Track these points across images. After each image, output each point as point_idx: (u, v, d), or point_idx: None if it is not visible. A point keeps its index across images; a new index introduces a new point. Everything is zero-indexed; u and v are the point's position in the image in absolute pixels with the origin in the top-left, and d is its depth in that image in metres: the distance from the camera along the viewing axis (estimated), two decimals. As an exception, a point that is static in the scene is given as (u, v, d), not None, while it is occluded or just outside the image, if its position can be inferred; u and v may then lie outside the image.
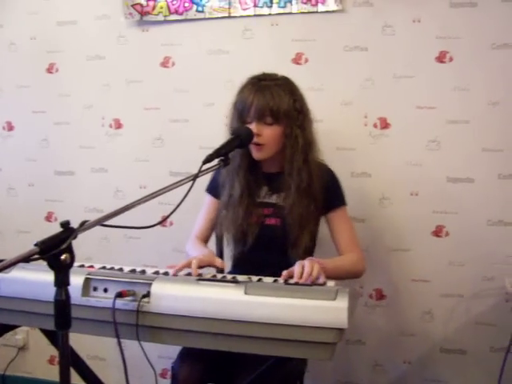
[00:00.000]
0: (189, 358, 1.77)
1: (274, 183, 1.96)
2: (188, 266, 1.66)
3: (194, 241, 2.04)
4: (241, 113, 1.88)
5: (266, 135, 1.86)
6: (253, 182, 1.97)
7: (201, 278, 1.53)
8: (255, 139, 1.83)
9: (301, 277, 1.58)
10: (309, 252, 1.96)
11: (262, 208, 1.96)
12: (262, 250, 1.94)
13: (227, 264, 2.15)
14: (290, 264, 1.68)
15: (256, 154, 1.90)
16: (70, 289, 1.19)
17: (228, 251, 2.11)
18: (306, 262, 1.63)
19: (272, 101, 1.84)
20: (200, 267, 1.67)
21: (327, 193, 1.94)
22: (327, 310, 1.34)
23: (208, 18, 2.47)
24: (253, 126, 1.84)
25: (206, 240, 2.09)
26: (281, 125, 1.87)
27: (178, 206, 1.44)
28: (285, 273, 1.61)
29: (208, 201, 2.09)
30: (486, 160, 2.24)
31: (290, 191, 1.91)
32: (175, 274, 1.63)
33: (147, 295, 1.44)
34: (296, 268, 1.61)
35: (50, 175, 2.78)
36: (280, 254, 1.89)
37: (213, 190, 2.07)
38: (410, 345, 2.38)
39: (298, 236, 1.90)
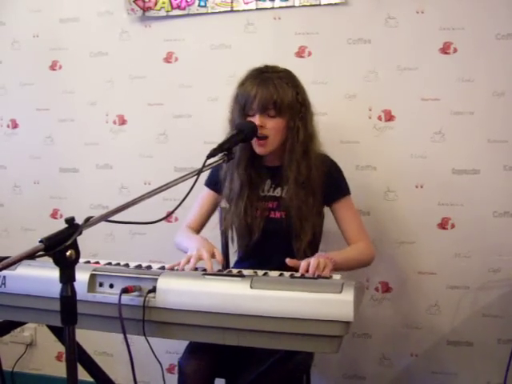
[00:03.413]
0: (195, 353, 1.76)
1: (277, 176, 1.95)
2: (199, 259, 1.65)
3: (186, 229, 2.00)
4: (243, 106, 1.86)
5: (270, 127, 1.84)
6: (255, 175, 1.96)
7: (206, 273, 1.53)
8: (259, 131, 1.81)
9: (307, 271, 1.58)
10: (314, 245, 1.97)
11: (266, 202, 1.96)
12: (267, 244, 1.94)
13: (233, 258, 2.16)
14: (295, 257, 1.68)
15: (259, 150, 1.89)
16: (76, 285, 1.19)
17: (233, 246, 2.11)
18: (312, 258, 1.62)
19: (276, 93, 1.82)
20: (201, 259, 1.65)
21: (329, 184, 1.94)
22: (333, 303, 1.33)
23: (210, 13, 2.47)
24: (256, 119, 1.83)
25: (197, 232, 2.02)
26: (283, 117, 1.86)
27: (183, 200, 1.44)
28: (290, 260, 1.60)
29: (205, 194, 2.06)
30: (491, 151, 2.22)
31: (288, 184, 1.90)
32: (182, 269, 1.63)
33: (153, 290, 1.44)
34: (302, 263, 1.61)
35: (55, 172, 2.78)
36: (285, 247, 1.89)
37: (212, 184, 2.04)
38: (416, 337, 2.37)
39: (299, 229, 1.89)
